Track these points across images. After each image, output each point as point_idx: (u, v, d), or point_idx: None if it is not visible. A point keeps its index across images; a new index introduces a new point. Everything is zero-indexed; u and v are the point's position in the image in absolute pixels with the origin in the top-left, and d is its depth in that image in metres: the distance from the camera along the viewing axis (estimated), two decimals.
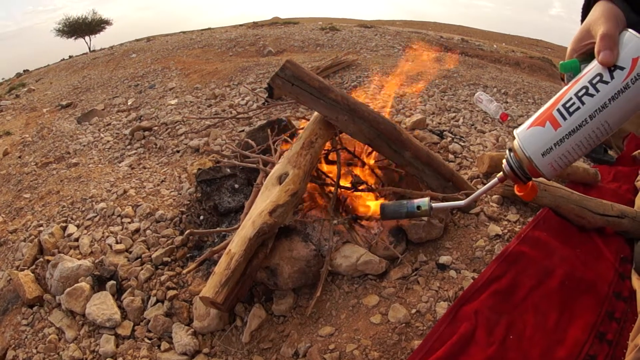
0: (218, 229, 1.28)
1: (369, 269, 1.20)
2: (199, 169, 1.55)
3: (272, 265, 1.08)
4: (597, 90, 0.60)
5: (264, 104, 2.84)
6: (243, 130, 2.45)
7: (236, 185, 1.50)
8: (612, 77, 0.58)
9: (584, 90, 0.61)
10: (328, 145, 1.39)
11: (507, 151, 0.76)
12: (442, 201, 1.34)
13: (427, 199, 1.11)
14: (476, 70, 3.50)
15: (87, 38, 13.70)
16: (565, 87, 0.64)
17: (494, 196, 1.49)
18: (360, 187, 1.40)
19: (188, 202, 1.61)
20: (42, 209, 1.83)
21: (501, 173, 0.79)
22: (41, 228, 1.64)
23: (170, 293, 1.20)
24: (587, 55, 0.65)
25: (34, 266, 1.42)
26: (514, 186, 0.82)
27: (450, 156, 1.88)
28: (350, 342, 1.01)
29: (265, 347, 1.05)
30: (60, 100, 3.80)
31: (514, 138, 0.72)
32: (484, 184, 1.59)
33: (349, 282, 1.20)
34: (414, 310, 1.09)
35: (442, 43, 4.52)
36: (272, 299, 1.14)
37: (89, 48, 11.72)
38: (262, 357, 1.03)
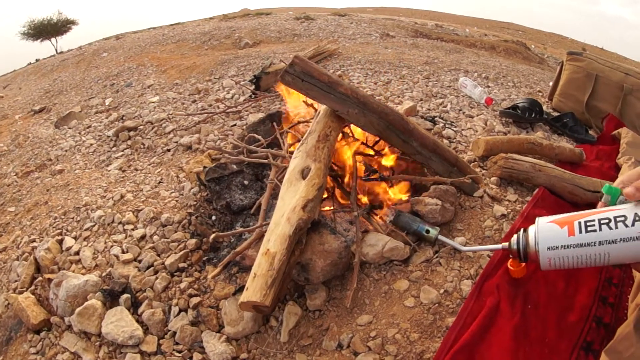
0: (244, 228, 1.15)
1: (394, 255, 1.13)
2: (205, 167, 1.39)
3: (304, 261, 0.98)
4: (616, 227, 0.66)
5: (250, 96, 2.66)
6: (235, 125, 2.27)
7: (245, 182, 1.37)
8: (633, 224, 0.64)
9: (606, 221, 0.68)
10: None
11: (521, 230, 0.86)
12: (451, 185, 1.29)
13: (437, 229, 1.13)
14: (455, 56, 3.44)
15: (53, 40, 12.49)
16: (598, 209, 0.71)
17: (492, 178, 1.46)
18: (372, 177, 1.32)
19: (195, 203, 1.45)
20: (32, 223, 1.60)
21: (507, 244, 0.91)
22: (35, 244, 1.43)
23: (194, 300, 1.07)
24: None
25: (33, 287, 1.23)
26: (510, 260, 0.97)
27: (445, 141, 1.82)
28: (390, 327, 0.96)
29: (306, 343, 0.96)
30: (33, 105, 3.40)
31: (534, 223, 0.80)
32: (481, 167, 1.57)
33: (377, 270, 1.13)
34: (442, 290, 1.05)
35: (417, 29, 4.43)
36: (304, 294, 1.04)
37: (56, 50, 10.68)
38: (305, 354, 0.94)
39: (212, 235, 1.01)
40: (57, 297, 1.13)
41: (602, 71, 2.22)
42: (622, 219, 0.65)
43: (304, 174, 1.02)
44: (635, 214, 0.65)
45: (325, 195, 1.34)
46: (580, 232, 0.70)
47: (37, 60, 6.72)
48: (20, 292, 1.19)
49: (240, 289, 1.04)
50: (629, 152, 1.79)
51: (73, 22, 13.39)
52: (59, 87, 3.78)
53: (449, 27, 5.59)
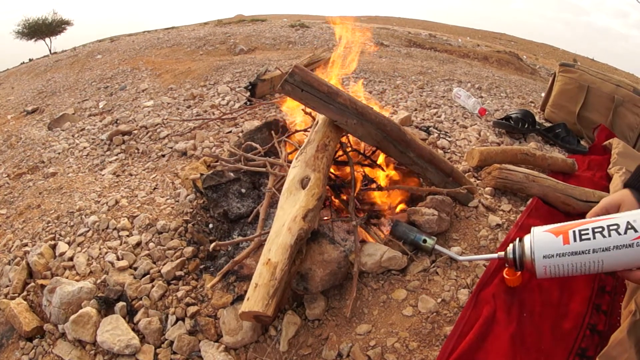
0: (244, 237, 1.16)
1: (392, 265, 1.15)
2: (201, 174, 1.40)
3: (304, 270, 0.99)
4: (609, 235, 0.70)
5: (246, 103, 2.67)
6: (230, 132, 2.27)
7: (243, 190, 1.37)
8: (625, 232, 0.68)
9: (600, 229, 0.71)
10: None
11: (517, 240, 0.88)
12: (447, 196, 1.32)
13: (434, 239, 1.15)
14: (448, 66, 3.50)
15: (47, 40, 12.37)
16: (595, 218, 0.76)
17: (487, 188, 1.50)
18: (370, 186, 1.34)
19: (191, 210, 1.45)
20: (24, 226, 1.58)
21: (503, 253, 0.92)
22: (27, 248, 1.41)
23: (191, 309, 1.07)
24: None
25: (25, 293, 1.21)
26: (505, 269, 0.99)
27: (440, 151, 1.86)
28: (389, 336, 0.98)
29: (305, 353, 0.97)
30: (25, 105, 3.36)
31: (529, 232, 0.82)
32: (475, 177, 1.60)
33: (375, 279, 1.14)
34: (439, 300, 1.07)
35: (411, 39, 4.50)
36: (303, 304, 1.05)
37: (50, 50, 10.56)
38: None
39: (212, 244, 1.01)
40: (50, 304, 1.11)
41: (594, 83, 2.29)
42: (615, 227, 0.69)
43: (303, 183, 1.03)
44: (628, 222, 0.69)
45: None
46: (575, 240, 0.73)
47: (30, 59, 6.65)
48: (12, 298, 1.17)
49: (238, 298, 1.04)
50: (620, 162, 1.84)
51: (68, 23, 13.29)
52: (52, 88, 3.75)
53: (442, 37, 5.68)
